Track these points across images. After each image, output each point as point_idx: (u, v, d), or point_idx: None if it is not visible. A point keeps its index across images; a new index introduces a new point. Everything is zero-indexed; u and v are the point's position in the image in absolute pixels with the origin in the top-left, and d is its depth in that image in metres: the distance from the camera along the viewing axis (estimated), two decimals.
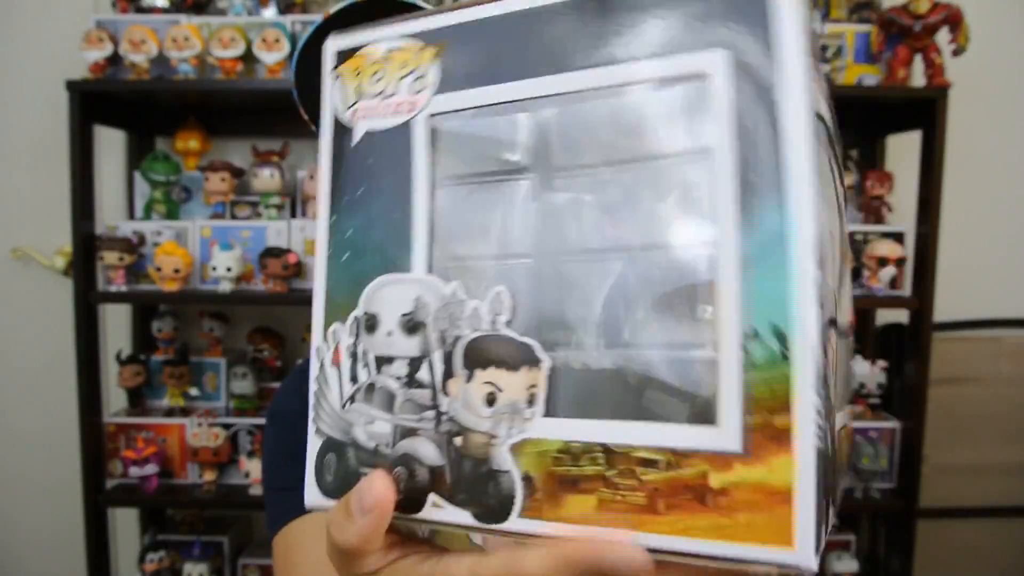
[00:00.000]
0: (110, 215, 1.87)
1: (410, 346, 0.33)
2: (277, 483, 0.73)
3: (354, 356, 0.34)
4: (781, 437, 0.25)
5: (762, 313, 0.26)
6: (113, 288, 1.65)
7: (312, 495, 0.35)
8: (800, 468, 0.25)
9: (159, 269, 1.61)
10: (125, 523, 1.94)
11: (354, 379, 0.34)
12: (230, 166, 1.70)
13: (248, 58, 1.66)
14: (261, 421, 1.70)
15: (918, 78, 1.68)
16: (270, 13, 1.74)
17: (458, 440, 0.31)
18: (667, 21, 0.29)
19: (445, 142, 0.34)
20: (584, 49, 0.31)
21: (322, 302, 0.35)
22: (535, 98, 0.32)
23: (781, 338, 0.26)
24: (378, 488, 0.31)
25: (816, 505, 0.25)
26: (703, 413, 0.27)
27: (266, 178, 1.69)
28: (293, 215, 1.77)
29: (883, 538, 1.80)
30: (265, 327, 1.85)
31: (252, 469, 1.64)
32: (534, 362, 0.30)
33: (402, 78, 0.35)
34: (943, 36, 1.60)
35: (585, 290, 0.30)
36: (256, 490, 1.65)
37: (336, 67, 0.37)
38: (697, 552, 0.26)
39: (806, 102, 0.27)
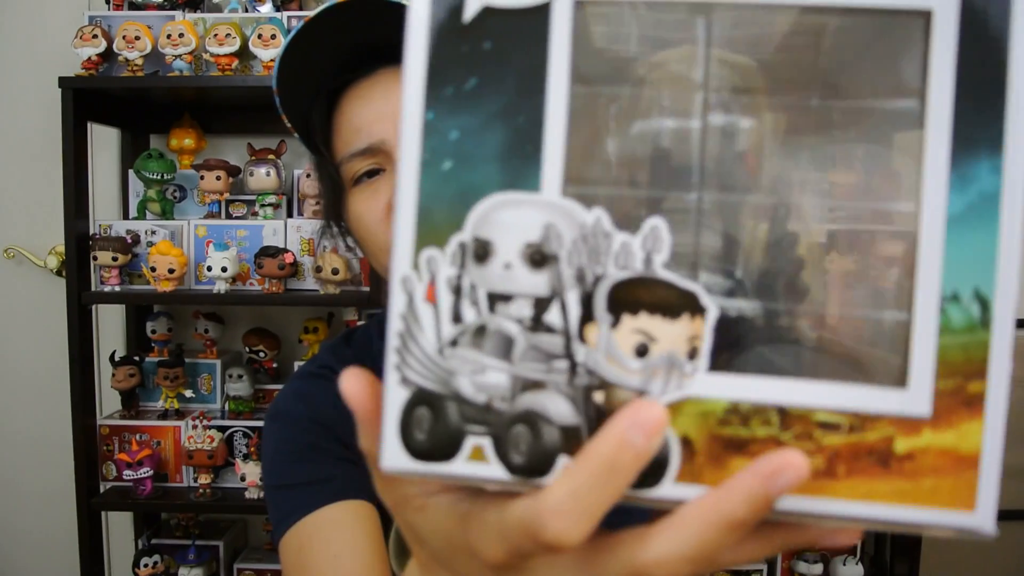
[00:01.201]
0: (104, 214, 1.85)
1: (536, 283, 0.27)
2: (283, 481, 0.71)
3: (458, 291, 0.27)
4: (973, 402, 0.25)
5: (965, 276, 0.25)
6: (107, 288, 1.63)
7: (395, 457, 0.27)
8: (989, 434, 0.25)
9: (153, 269, 1.59)
10: (119, 527, 1.92)
11: (457, 319, 0.27)
12: (225, 164, 1.68)
13: (244, 55, 1.64)
14: (257, 424, 1.68)
15: None
16: (266, 9, 1.72)
17: (599, 396, 0.26)
18: None
19: (593, 36, 0.27)
20: None
21: (411, 220, 0.27)
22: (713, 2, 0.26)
23: (983, 303, 0.25)
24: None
25: (999, 471, 0.25)
26: (893, 375, 0.25)
27: (262, 177, 1.67)
28: (290, 214, 1.75)
29: (889, 543, 1.79)
30: (261, 328, 1.83)
31: (248, 472, 1.62)
32: (697, 310, 0.26)
33: None
34: None
35: (759, 234, 0.26)
36: (252, 493, 1.63)
37: None
38: (877, 517, 0.25)
39: None
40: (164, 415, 1.72)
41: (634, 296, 0.26)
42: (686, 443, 0.26)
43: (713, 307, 0.26)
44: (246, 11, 1.71)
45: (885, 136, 0.26)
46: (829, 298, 0.26)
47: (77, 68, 1.63)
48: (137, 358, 1.74)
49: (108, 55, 1.64)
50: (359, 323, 0.81)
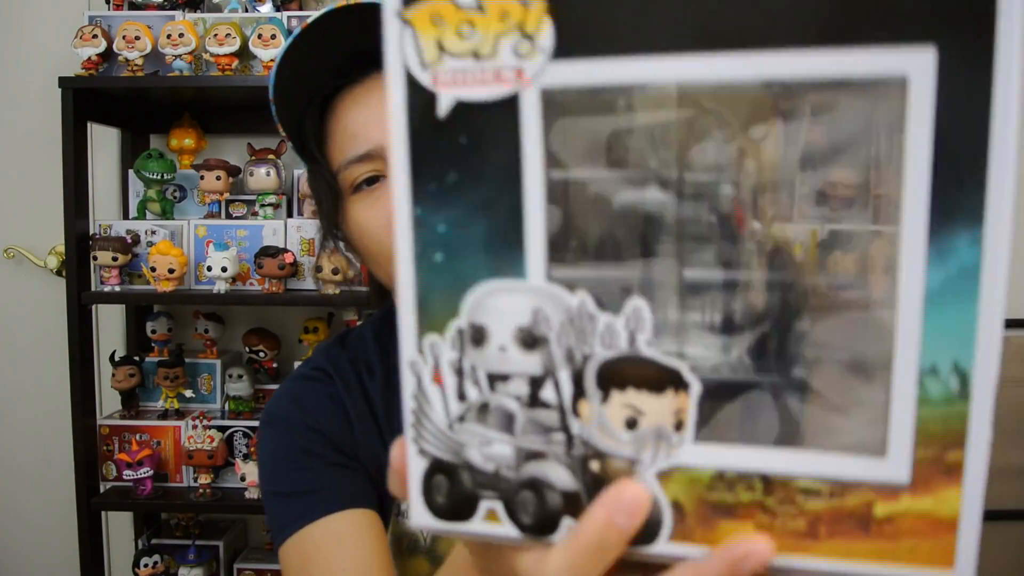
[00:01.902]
0: (104, 214, 1.85)
1: (529, 363, 0.29)
2: (283, 488, 0.71)
3: (460, 372, 0.30)
4: (952, 470, 0.25)
5: (944, 350, 0.25)
6: (107, 288, 1.62)
7: (422, 516, 0.31)
8: (967, 500, 0.25)
9: (153, 269, 1.58)
10: (119, 527, 1.92)
11: (462, 397, 0.30)
12: (225, 164, 1.68)
13: (244, 54, 1.64)
14: (257, 424, 1.68)
15: None
16: (266, 9, 1.72)
17: (595, 465, 0.29)
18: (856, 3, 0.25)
19: (560, 122, 0.28)
20: (741, 26, 0.25)
21: (412, 309, 0.30)
22: (677, 82, 0.26)
23: (962, 376, 0.25)
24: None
25: (979, 532, 0.25)
26: (873, 445, 0.26)
27: (262, 176, 1.67)
28: (289, 214, 1.75)
29: None
30: (261, 328, 1.83)
31: (248, 472, 1.62)
32: (681, 385, 0.28)
33: (501, 37, 0.27)
34: None
35: (737, 306, 0.27)
36: (252, 493, 1.63)
37: (406, 6, 0.28)
38: (855, 573, 0.27)
39: (1018, 119, 0.24)
40: (164, 415, 1.72)
41: (621, 373, 0.28)
42: (677, 507, 0.28)
43: (696, 383, 0.27)
44: (246, 11, 1.71)
45: (855, 206, 0.27)
46: (813, 369, 0.27)
47: (77, 68, 1.63)
48: (137, 358, 1.74)
49: (108, 55, 1.64)
50: (358, 323, 0.80)
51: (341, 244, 0.75)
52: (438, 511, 0.31)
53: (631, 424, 0.28)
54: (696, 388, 0.27)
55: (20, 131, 1.88)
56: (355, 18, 0.63)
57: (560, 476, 0.29)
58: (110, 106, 1.73)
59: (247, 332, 1.82)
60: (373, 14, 0.63)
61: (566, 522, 0.29)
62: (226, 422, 1.70)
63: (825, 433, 0.27)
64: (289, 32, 1.63)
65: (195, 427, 1.66)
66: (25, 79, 1.86)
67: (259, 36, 1.59)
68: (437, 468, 0.31)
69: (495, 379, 0.29)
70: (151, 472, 1.63)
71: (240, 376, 1.74)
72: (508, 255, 0.28)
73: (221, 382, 1.78)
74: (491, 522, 0.30)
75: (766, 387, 0.27)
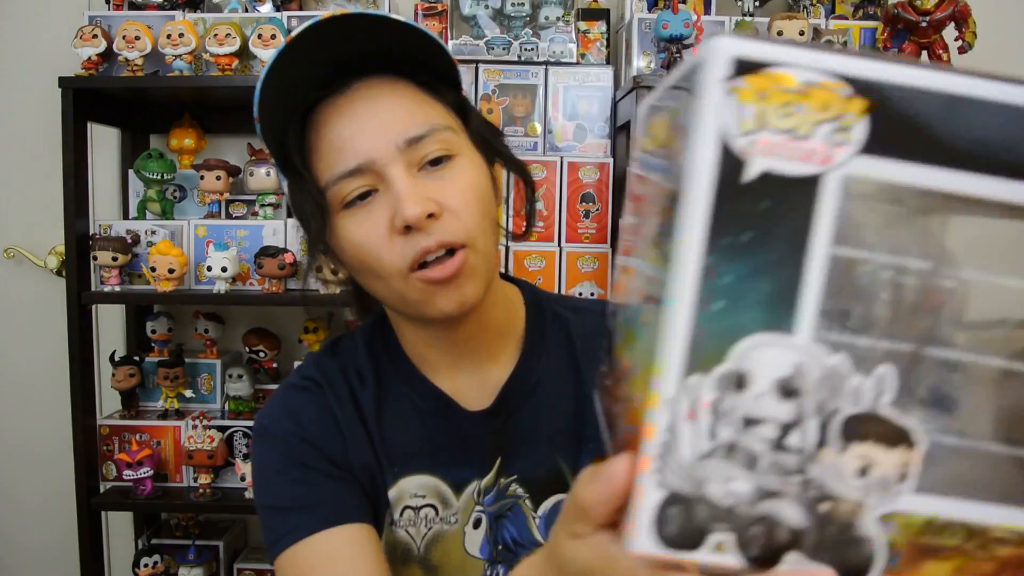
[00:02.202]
0: (104, 214, 1.85)
1: (782, 411, 0.32)
2: (278, 502, 0.70)
3: (716, 412, 0.33)
4: None
5: None
6: (107, 288, 1.63)
7: (647, 543, 0.33)
8: None
9: (153, 269, 1.58)
10: (119, 527, 1.92)
11: (712, 436, 0.33)
12: (225, 164, 1.68)
13: (244, 54, 1.64)
14: None
15: None
16: (266, 9, 1.72)
17: (824, 506, 0.33)
18: None
19: (853, 208, 0.31)
20: None
21: (682, 350, 0.32)
22: (968, 199, 0.31)
23: None
24: None
25: None
26: None
27: (262, 176, 1.67)
28: (289, 214, 1.74)
29: None
30: (261, 328, 1.83)
31: (248, 472, 1.62)
32: (910, 443, 0.32)
33: (819, 123, 0.31)
34: (950, 33, 1.58)
35: (974, 383, 0.32)
36: (252, 493, 1.63)
37: (732, 77, 0.31)
38: None
39: None
40: (164, 415, 1.72)
41: (862, 428, 0.32)
42: (892, 546, 0.33)
43: (923, 442, 0.32)
44: (246, 11, 1.71)
45: None
46: None
47: (77, 68, 1.63)
48: (137, 358, 1.74)
49: (108, 55, 1.64)
50: (358, 324, 0.80)
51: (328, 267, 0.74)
52: (666, 539, 0.33)
53: (863, 472, 0.32)
54: (923, 446, 0.32)
55: (20, 131, 1.88)
56: (335, 30, 0.62)
57: (792, 514, 0.33)
58: (110, 106, 1.73)
59: (247, 332, 1.82)
60: (352, 22, 0.62)
61: (789, 556, 0.33)
62: (226, 422, 1.70)
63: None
64: (289, 32, 1.63)
65: (195, 427, 1.66)
66: (25, 79, 1.86)
67: (259, 36, 1.59)
68: (674, 500, 0.33)
69: (748, 422, 0.33)
70: (151, 472, 1.63)
71: (240, 376, 1.74)
72: (782, 313, 0.32)
73: (221, 382, 1.78)
74: (717, 552, 0.33)
75: (985, 453, 0.32)
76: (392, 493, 0.72)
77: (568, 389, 0.74)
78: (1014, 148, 0.31)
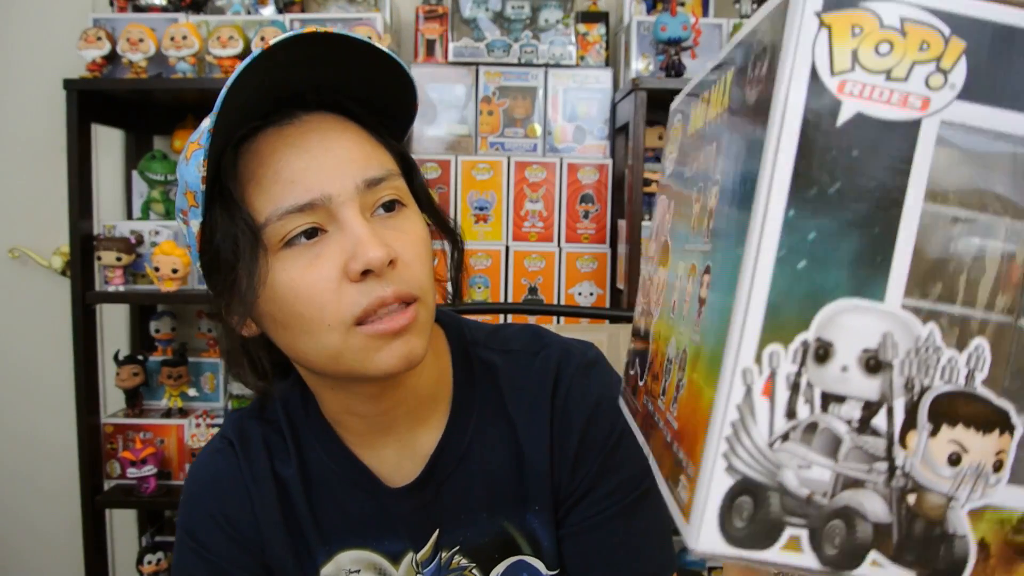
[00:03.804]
0: (108, 215, 1.87)
1: (868, 387, 0.28)
2: None
3: (795, 388, 0.29)
4: None
5: None
6: (111, 288, 1.64)
7: (711, 541, 0.29)
8: None
9: (157, 269, 1.60)
10: (123, 524, 1.93)
11: (791, 415, 0.29)
12: None
13: (246, 57, 1.65)
14: None
15: None
16: (269, 11, 1.74)
17: (911, 498, 0.29)
18: None
19: (949, 158, 0.28)
20: None
21: (760, 314, 0.28)
22: None
23: None
24: None
25: None
26: None
27: None
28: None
29: None
30: None
31: None
32: (1007, 427, 0.28)
33: (916, 64, 0.28)
34: None
35: None
36: None
37: (824, 11, 0.28)
38: None
39: None
40: (168, 413, 1.74)
41: (954, 409, 0.28)
42: (982, 546, 0.29)
43: (1020, 424, 0.28)
44: (249, 13, 1.73)
45: None
46: None
47: (81, 70, 1.64)
48: (141, 357, 1.76)
49: (112, 57, 1.65)
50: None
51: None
52: (733, 536, 0.29)
53: (954, 460, 0.29)
54: (1020, 430, 0.28)
55: (25, 132, 1.90)
56: (306, 49, 0.57)
57: (875, 507, 0.29)
58: (114, 108, 1.75)
59: None
60: (307, 48, 0.56)
61: (872, 555, 0.29)
62: None
63: None
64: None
65: (198, 425, 1.67)
66: (30, 81, 1.88)
67: (262, 38, 1.61)
68: (744, 489, 0.29)
69: (830, 399, 0.29)
70: (155, 470, 1.64)
71: None
72: (871, 275, 0.28)
73: (224, 381, 1.80)
74: (790, 551, 0.29)
75: None
76: (327, 569, 0.68)
77: (504, 447, 0.68)
78: None
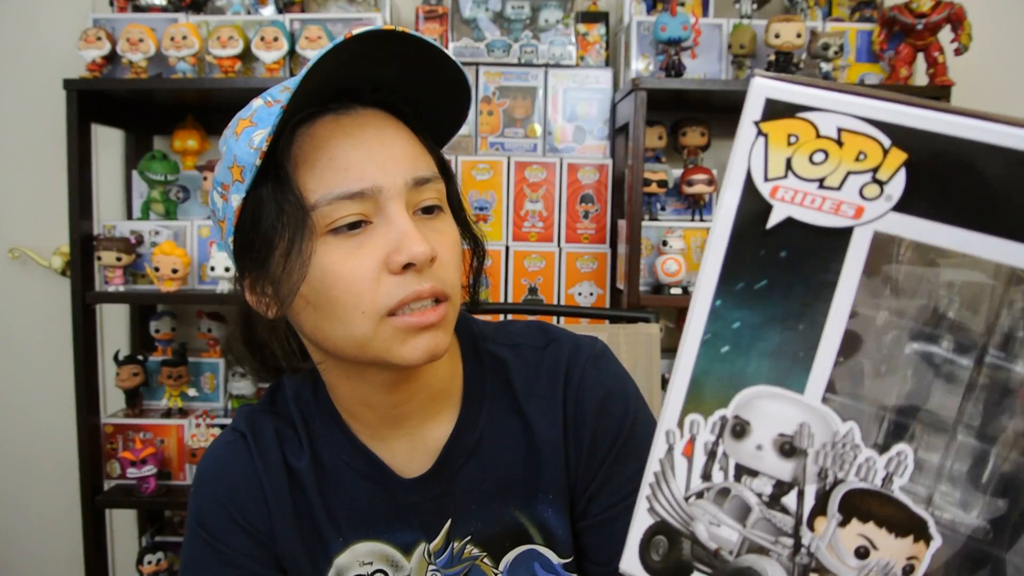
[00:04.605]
0: (108, 215, 1.87)
1: (781, 468, 0.31)
2: None
3: (711, 455, 0.32)
4: None
5: None
6: (111, 288, 1.64)
7: (631, 564, 0.34)
8: None
9: (157, 269, 1.60)
10: (123, 524, 1.93)
11: (706, 477, 0.32)
12: None
13: (246, 57, 1.66)
14: None
15: (920, 77, 1.67)
16: (268, 11, 1.74)
17: None
18: None
19: (881, 267, 0.29)
20: None
21: (684, 387, 0.32)
22: (1006, 264, 0.27)
23: None
24: None
25: None
26: None
27: None
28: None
29: None
30: None
31: None
32: (924, 536, 0.29)
33: (852, 173, 0.28)
34: (945, 35, 1.59)
35: (994, 475, 0.28)
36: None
37: (763, 120, 0.30)
38: None
39: None
40: (167, 413, 1.74)
41: (867, 506, 0.30)
42: None
43: (938, 537, 0.29)
44: (248, 14, 1.73)
45: None
46: None
47: (81, 70, 1.64)
48: (141, 357, 1.76)
49: (112, 57, 1.65)
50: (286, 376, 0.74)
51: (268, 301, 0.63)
52: (650, 566, 0.33)
53: (862, 553, 0.30)
54: (937, 543, 0.29)
55: (25, 133, 1.90)
56: (368, 47, 0.58)
57: (777, 575, 0.31)
58: (114, 108, 1.75)
59: None
60: (374, 44, 0.57)
61: None
62: (229, 420, 1.71)
63: None
64: (291, 35, 1.65)
65: (198, 425, 1.67)
66: (30, 81, 1.88)
67: (261, 39, 1.61)
68: (661, 529, 0.33)
69: (743, 472, 0.32)
70: (155, 470, 1.64)
71: (243, 375, 1.76)
72: (792, 369, 0.30)
73: (224, 381, 1.80)
74: None
75: (1005, 562, 0.28)
76: (340, 560, 0.69)
77: (514, 439, 0.70)
78: None
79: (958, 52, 1.58)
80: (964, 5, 1.57)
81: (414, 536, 0.69)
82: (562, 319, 1.65)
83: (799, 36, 1.58)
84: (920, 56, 1.62)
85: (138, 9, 1.74)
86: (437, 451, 0.69)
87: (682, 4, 1.71)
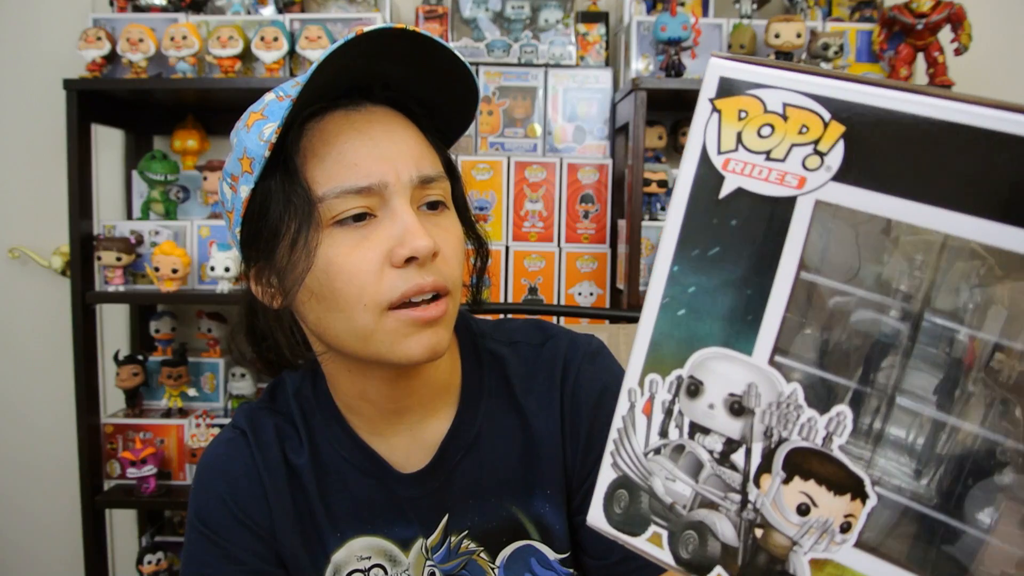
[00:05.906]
0: (108, 215, 1.87)
1: (730, 427, 0.33)
2: None
3: (668, 413, 0.34)
4: None
5: None
6: (111, 288, 1.64)
7: (596, 517, 0.36)
8: None
9: (157, 269, 1.60)
10: (123, 524, 1.93)
11: (663, 434, 0.34)
12: None
13: (246, 56, 1.66)
14: None
15: (920, 77, 1.67)
16: (268, 11, 1.74)
17: (759, 532, 0.32)
18: None
19: (823, 235, 0.30)
20: (1013, 202, 0.27)
21: (645, 348, 0.34)
22: (940, 233, 0.28)
23: None
24: None
25: None
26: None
27: None
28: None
29: None
30: None
31: None
32: (860, 495, 0.30)
33: (796, 145, 0.31)
34: (945, 35, 1.59)
35: (942, 439, 0.29)
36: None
37: (716, 97, 0.32)
38: None
39: None
40: (167, 413, 1.74)
41: (808, 464, 0.31)
42: None
43: (873, 497, 0.30)
44: (248, 14, 1.73)
45: None
46: (1001, 520, 0.28)
47: (81, 70, 1.64)
48: (141, 357, 1.76)
49: (112, 57, 1.65)
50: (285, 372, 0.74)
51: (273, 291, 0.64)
52: (612, 519, 0.35)
53: (803, 510, 0.31)
54: (872, 501, 0.30)
55: (25, 133, 1.90)
56: (380, 44, 0.59)
57: (725, 529, 0.33)
58: (114, 108, 1.75)
59: None
60: (398, 44, 0.59)
61: (717, 570, 0.33)
62: (229, 420, 1.71)
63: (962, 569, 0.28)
64: (291, 35, 1.65)
65: (198, 425, 1.67)
66: (30, 81, 1.88)
67: (261, 39, 1.61)
68: (623, 483, 0.35)
69: (696, 429, 0.33)
70: (155, 470, 1.64)
71: (243, 375, 1.76)
72: (741, 331, 0.32)
73: (224, 381, 1.80)
74: (654, 544, 0.34)
75: (942, 524, 0.29)
76: (338, 556, 0.69)
77: (512, 435, 0.70)
78: (999, 186, 0.27)
79: (958, 52, 1.59)
80: (964, 5, 1.57)
81: (412, 531, 0.69)
82: (562, 319, 1.65)
83: (799, 36, 1.58)
84: (920, 56, 1.62)
85: (138, 9, 1.74)
86: (435, 446, 0.69)
87: (682, 4, 1.71)
